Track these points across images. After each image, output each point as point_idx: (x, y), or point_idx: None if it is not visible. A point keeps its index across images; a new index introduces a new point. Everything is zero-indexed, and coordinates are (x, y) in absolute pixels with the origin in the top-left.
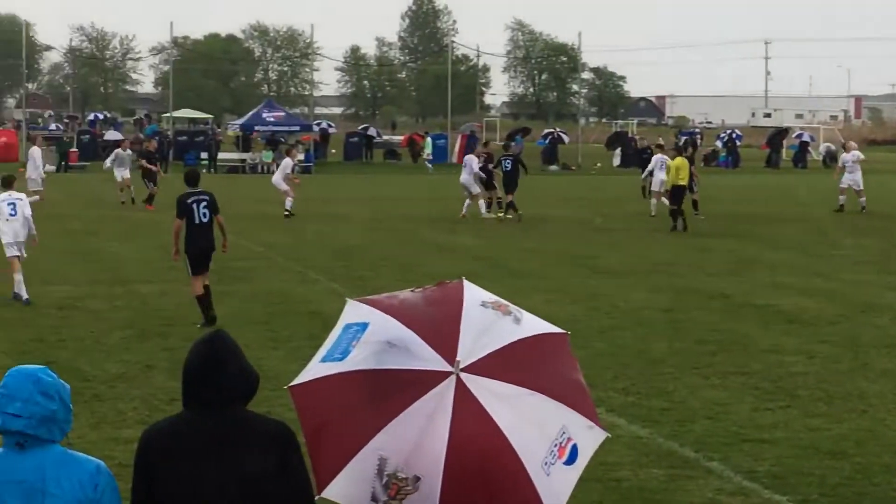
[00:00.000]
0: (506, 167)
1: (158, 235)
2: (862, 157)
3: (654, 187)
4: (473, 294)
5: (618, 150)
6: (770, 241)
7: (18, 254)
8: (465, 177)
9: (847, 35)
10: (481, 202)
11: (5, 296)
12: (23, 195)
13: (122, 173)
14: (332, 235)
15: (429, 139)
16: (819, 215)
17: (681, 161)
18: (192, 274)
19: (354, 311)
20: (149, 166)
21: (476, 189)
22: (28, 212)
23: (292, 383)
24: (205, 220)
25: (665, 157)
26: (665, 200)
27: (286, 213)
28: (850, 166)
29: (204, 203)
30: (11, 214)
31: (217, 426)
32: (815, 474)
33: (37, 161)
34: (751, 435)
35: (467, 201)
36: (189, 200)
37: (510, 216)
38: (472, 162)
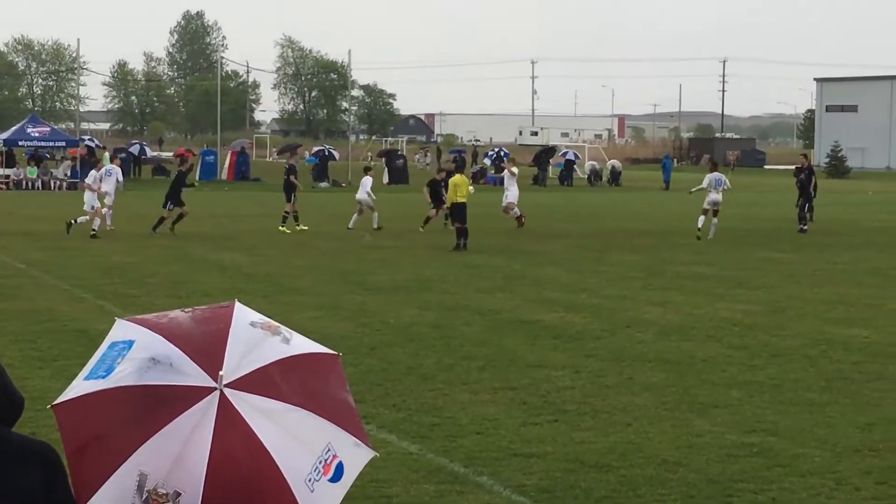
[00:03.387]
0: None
1: None
2: (516, 172)
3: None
4: (243, 314)
5: (385, 168)
6: (537, 258)
7: None
8: (361, 194)
9: (611, 56)
10: (375, 215)
11: None
12: None
13: None
14: (100, 252)
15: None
16: (584, 232)
17: (459, 178)
18: None
19: (121, 329)
20: None
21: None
22: None
23: (55, 402)
24: None
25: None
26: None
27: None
28: (508, 182)
29: None
30: None
31: None
32: (581, 487)
33: None
34: (519, 449)
35: (355, 216)
36: None
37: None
38: (367, 182)
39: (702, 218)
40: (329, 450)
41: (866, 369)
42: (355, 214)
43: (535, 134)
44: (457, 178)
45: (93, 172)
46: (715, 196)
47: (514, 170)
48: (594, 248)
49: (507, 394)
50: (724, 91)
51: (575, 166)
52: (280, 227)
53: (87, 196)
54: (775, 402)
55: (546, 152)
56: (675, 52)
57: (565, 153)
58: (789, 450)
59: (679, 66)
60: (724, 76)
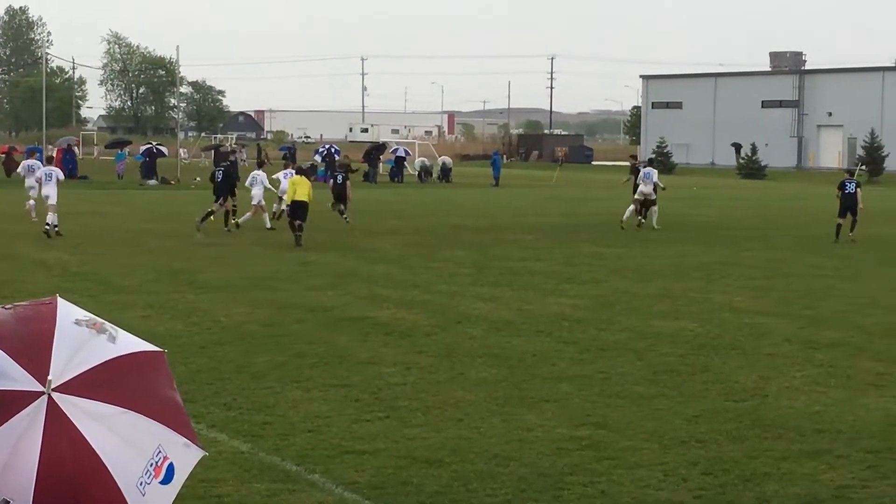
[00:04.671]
0: (338, 181)
1: None
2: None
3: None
4: (68, 312)
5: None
6: (368, 255)
7: None
8: (256, 191)
9: (440, 52)
10: (266, 215)
11: None
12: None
13: None
14: None
15: None
16: (415, 228)
17: (299, 178)
18: None
19: None
20: None
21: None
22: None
23: None
24: None
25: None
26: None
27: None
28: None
29: None
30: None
31: None
32: (413, 483)
33: None
34: (352, 446)
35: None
36: None
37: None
38: (262, 177)
39: (630, 208)
40: (160, 451)
41: (692, 362)
42: (249, 213)
43: (366, 131)
44: (296, 178)
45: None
46: (643, 188)
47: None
48: (425, 245)
49: (338, 391)
50: (552, 88)
51: (405, 163)
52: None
53: (54, 190)
54: (604, 395)
55: (376, 149)
56: (505, 49)
57: (395, 150)
58: (618, 442)
59: (508, 63)
60: (552, 73)
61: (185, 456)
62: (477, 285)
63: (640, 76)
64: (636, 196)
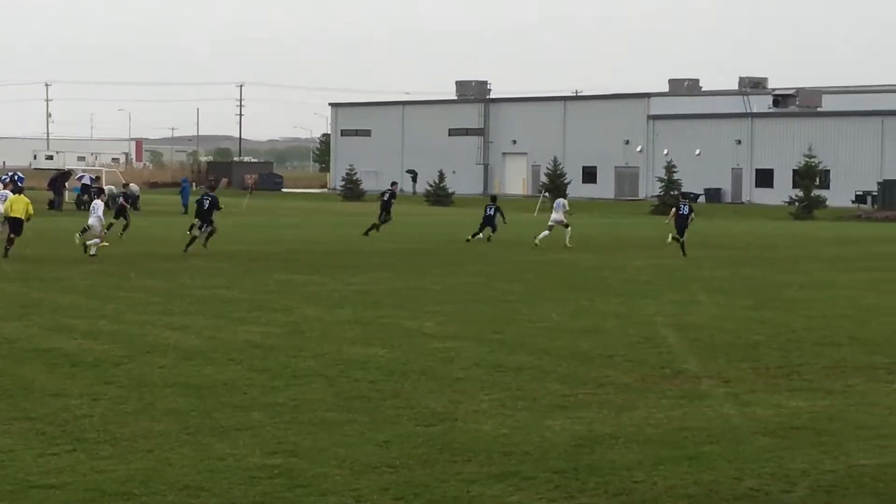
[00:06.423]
0: (204, 206)
1: None
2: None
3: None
4: None
5: None
6: (55, 284)
7: None
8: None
9: (128, 79)
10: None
11: None
12: None
13: None
14: None
15: None
16: (103, 256)
17: (16, 198)
18: None
19: None
20: None
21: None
22: None
23: None
24: None
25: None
26: None
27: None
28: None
29: None
30: None
31: None
32: None
33: None
34: (37, 481)
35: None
36: None
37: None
38: (99, 207)
39: (544, 233)
40: None
41: (383, 387)
42: (96, 239)
43: (51, 158)
44: (13, 196)
45: None
46: (555, 216)
47: None
48: (114, 274)
49: (23, 424)
50: (241, 115)
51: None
52: None
53: None
54: (296, 422)
55: (62, 176)
56: (194, 77)
57: (81, 177)
58: (310, 470)
59: (197, 91)
60: (241, 100)
61: None
62: (167, 314)
63: (329, 104)
64: (549, 223)
